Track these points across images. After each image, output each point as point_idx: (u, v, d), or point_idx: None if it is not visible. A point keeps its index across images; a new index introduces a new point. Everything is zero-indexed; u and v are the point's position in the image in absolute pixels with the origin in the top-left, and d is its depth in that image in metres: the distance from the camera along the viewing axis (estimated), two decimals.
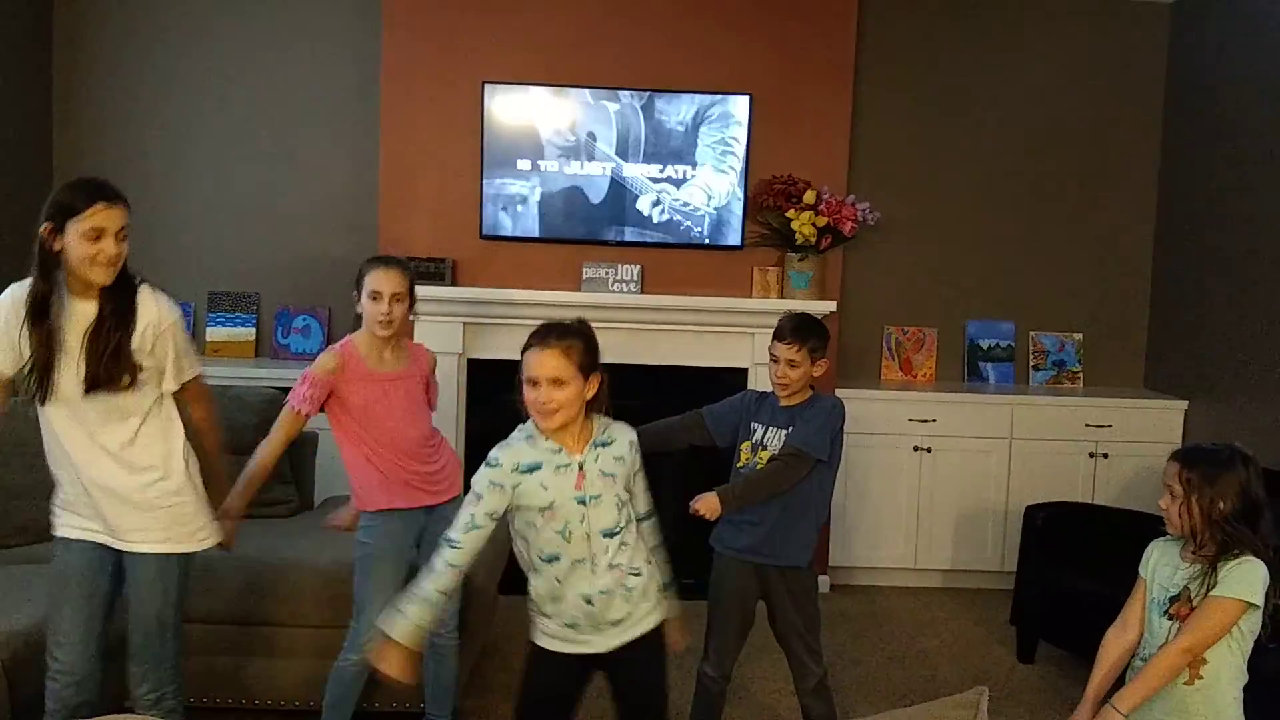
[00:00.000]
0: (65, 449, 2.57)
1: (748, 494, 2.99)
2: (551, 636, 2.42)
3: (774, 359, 3.03)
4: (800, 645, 3.12)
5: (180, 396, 2.72)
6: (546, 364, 2.27)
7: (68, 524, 2.65)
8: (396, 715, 3.39)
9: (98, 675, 2.67)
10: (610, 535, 2.35)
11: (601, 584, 2.35)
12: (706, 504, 2.87)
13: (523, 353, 2.33)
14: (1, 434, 3.62)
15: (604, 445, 2.38)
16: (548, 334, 2.31)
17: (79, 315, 2.51)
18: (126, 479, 2.58)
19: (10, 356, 2.53)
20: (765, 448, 3.04)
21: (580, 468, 2.33)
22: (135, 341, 2.54)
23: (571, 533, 2.32)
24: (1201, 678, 2.33)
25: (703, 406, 3.19)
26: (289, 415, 3.01)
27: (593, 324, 2.43)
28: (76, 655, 2.61)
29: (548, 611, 2.41)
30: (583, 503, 2.32)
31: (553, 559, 2.34)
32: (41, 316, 2.48)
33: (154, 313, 2.57)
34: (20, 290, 2.52)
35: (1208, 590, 2.31)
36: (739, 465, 3.11)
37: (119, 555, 2.64)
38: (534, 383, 2.28)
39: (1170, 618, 2.39)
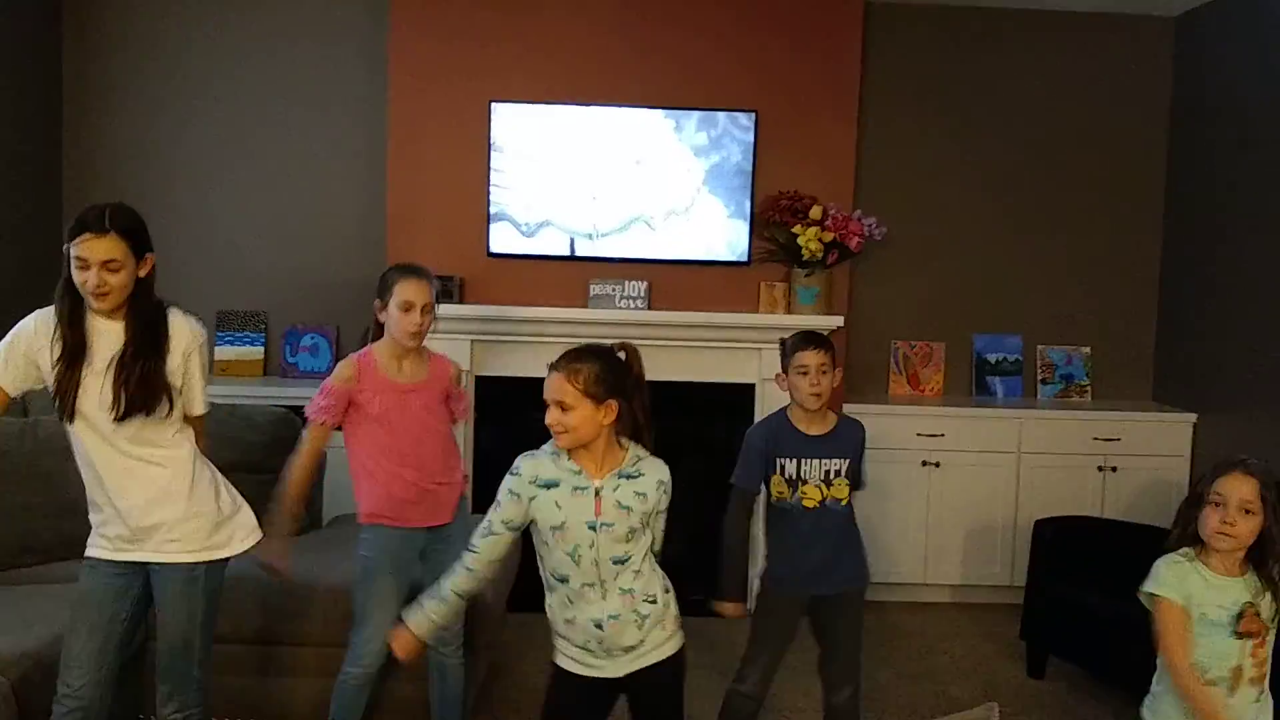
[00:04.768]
0: (95, 469, 2.57)
1: None
2: (569, 658, 2.43)
3: (803, 371, 3.02)
4: (850, 661, 3.15)
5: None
6: (552, 386, 2.32)
7: (96, 544, 2.65)
8: None
9: (106, 702, 2.65)
10: (620, 562, 2.35)
11: (611, 609, 2.35)
12: None
13: None
14: (11, 455, 3.64)
15: (629, 478, 2.35)
16: (562, 357, 2.35)
17: (106, 334, 2.52)
18: (150, 495, 2.58)
19: (19, 375, 2.54)
20: (806, 481, 3.05)
21: (598, 494, 2.33)
22: (170, 364, 2.56)
23: (581, 556, 2.33)
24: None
25: (733, 479, 3.12)
26: (311, 429, 3.08)
27: (600, 340, 2.43)
28: (85, 680, 2.59)
29: (563, 631, 2.42)
30: (594, 529, 2.32)
31: (564, 579, 2.37)
32: (71, 331, 2.49)
33: (186, 335, 2.60)
34: (46, 314, 2.54)
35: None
36: (774, 500, 3.09)
37: (146, 579, 2.64)
38: (548, 404, 2.32)
39: (1239, 636, 2.41)
